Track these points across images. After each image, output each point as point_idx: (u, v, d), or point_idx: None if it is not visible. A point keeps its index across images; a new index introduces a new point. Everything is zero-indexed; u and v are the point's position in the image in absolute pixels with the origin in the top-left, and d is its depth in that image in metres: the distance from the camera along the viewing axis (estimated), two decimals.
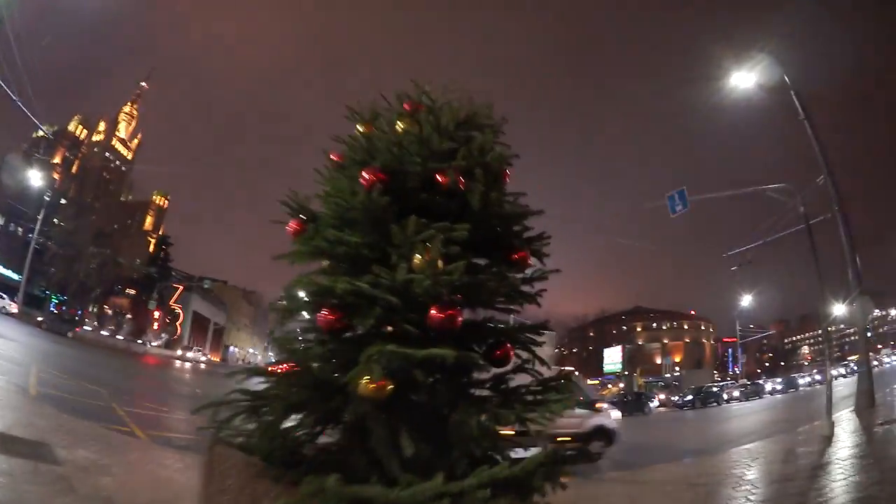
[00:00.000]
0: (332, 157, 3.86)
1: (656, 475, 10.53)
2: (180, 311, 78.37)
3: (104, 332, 58.81)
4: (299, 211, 3.66)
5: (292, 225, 3.61)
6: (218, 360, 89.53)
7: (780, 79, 18.98)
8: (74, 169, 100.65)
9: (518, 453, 3.19)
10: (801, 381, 59.05)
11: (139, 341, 62.77)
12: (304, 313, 3.31)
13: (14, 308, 43.65)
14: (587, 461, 11.72)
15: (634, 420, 33.99)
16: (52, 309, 61.16)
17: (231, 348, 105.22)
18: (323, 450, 3.14)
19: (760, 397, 50.76)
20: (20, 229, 59.38)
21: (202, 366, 61.97)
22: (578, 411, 13.11)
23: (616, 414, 14.99)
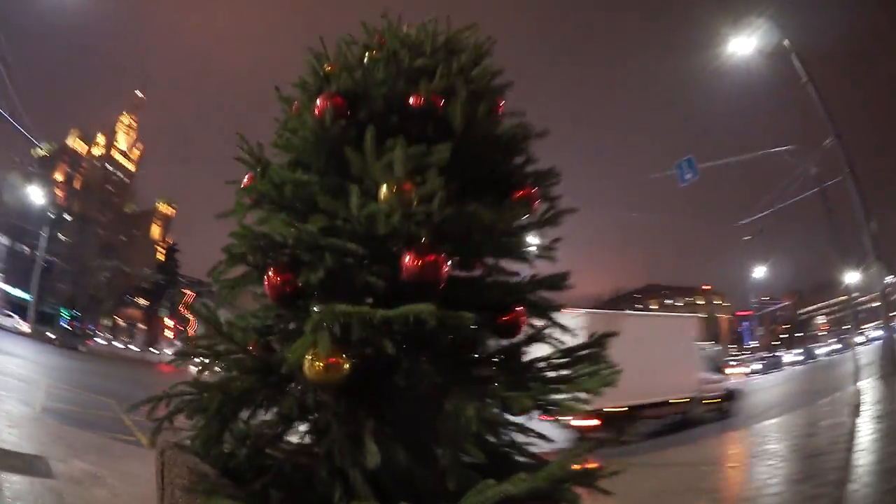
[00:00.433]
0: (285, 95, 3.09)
1: (680, 457, 9.89)
2: (192, 318, 78.03)
3: (117, 344, 58.89)
4: (251, 160, 2.90)
5: (247, 179, 2.86)
6: None
7: (781, 42, 18.27)
8: (77, 184, 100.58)
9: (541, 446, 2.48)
10: (818, 352, 58.09)
11: (153, 350, 62.72)
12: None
13: (26, 327, 43.52)
14: (725, 417, 14.97)
15: None
16: (63, 325, 61.21)
17: None
18: (296, 453, 2.39)
19: (780, 370, 49.86)
20: (26, 248, 59.35)
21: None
22: (717, 376, 15.97)
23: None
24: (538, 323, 2.67)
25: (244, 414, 2.34)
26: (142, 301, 73.81)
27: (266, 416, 2.47)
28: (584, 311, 13.35)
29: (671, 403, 13.84)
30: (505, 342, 2.55)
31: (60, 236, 64.22)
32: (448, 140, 2.33)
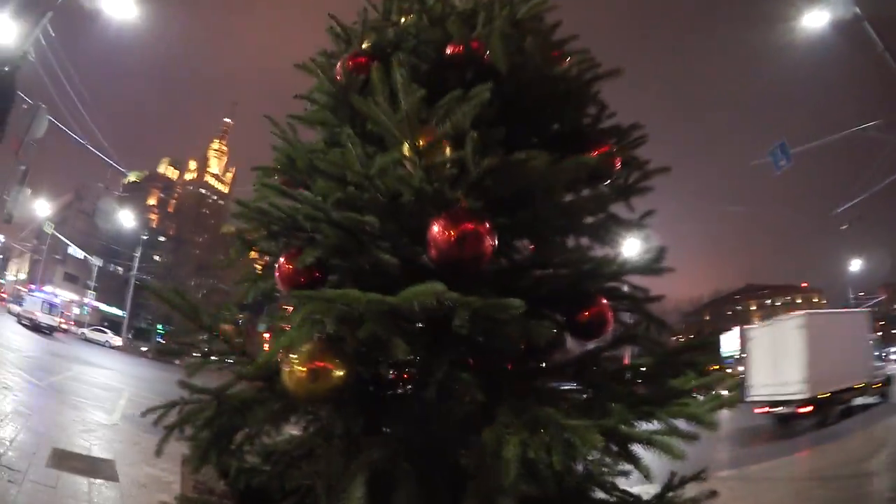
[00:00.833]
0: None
1: (779, 472, 8.88)
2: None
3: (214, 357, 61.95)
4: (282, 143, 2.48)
5: None
6: None
7: (853, 12, 16.91)
8: (170, 208, 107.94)
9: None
10: None
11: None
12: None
13: (118, 341, 46.40)
14: (885, 400, 15.34)
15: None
16: (159, 339, 65.47)
17: None
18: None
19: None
20: (120, 269, 64.06)
21: None
22: (879, 363, 16.47)
23: None
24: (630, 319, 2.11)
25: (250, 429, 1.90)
26: (240, 316, 77.68)
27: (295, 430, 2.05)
28: (804, 312, 15.85)
29: (854, 388, 14.75)
30: (586, 346, 1.98)
31: (156, 257, 68.92)
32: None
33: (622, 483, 1.97)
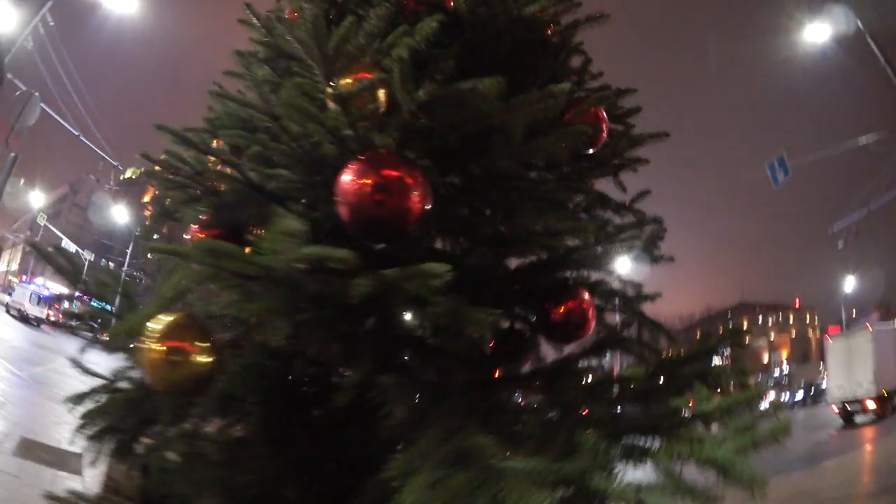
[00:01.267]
0: None
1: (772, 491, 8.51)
2: None
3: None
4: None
5: None
6: None
7: (854, 26, 16.94)
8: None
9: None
10: None
11: None
12: None
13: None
14: None
15: None
16: None
17: None
18: None
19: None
20: (111, 264, 63.84)
21: None
22: None
23: None
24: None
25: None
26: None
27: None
28: (873, 327, 18.16)
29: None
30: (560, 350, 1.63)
31: (150, 255, 68.52)
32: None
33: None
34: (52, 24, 12.61)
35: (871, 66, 16.48)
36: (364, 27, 1.22)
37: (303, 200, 1.22)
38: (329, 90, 1.08)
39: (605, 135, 1.70)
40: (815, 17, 17.32)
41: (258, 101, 1.31)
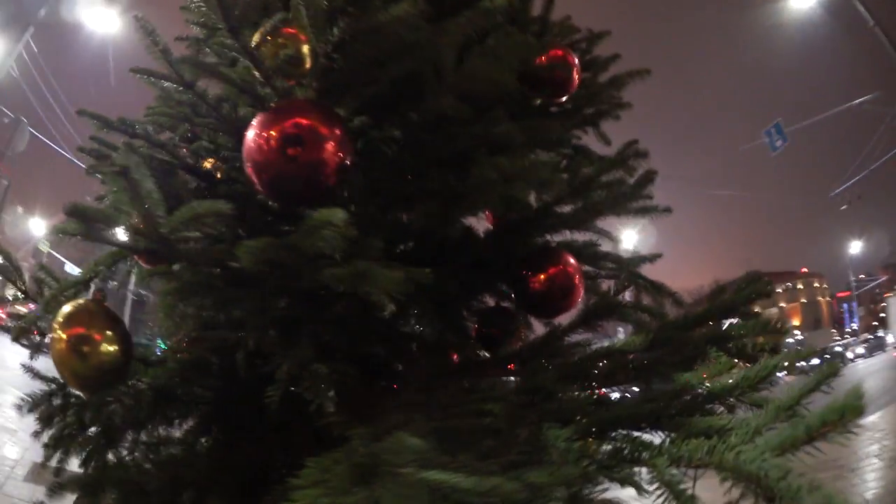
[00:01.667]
0: None
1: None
2: None
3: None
4: None
5: None
6: None
7: None
8: None
9: None
10: None
11: None
12: None
13: None
14: None
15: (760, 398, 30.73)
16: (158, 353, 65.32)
17: None
18: None
19: (884, 351, 45.00)
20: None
21: None
22: None
23: None
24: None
25: None
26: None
27: None
28: None
29: None
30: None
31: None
32: None
33: None
34: (35, 49, 12.49)
35: (861, 28, 16.40)
36: None
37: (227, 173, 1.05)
38: (231, 42, 0.91)
39: (576, 81, 1.53)
40: None
41: (174, 74, 1.15)
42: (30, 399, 1.52)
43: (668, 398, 0.86)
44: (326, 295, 0.93)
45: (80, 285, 1.11)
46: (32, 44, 12.85)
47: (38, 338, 1.60)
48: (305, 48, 0.89)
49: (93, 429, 1.40)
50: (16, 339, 1.36)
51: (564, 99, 1.58)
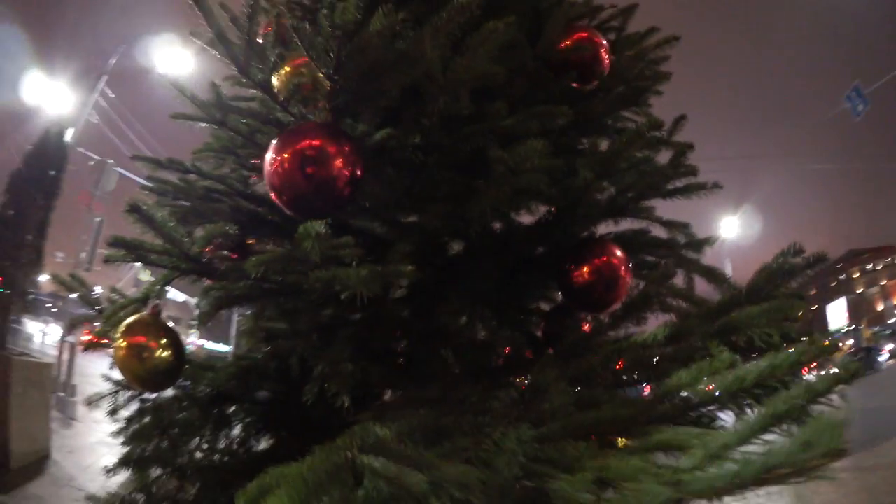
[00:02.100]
0: None
1: None
2: None
3: None
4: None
5: None
6: None
7: None
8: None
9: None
10: None
11: None
12: None
13: None
14: None
15: (865, 380, 26.68)
16: None
17: None
18: None
19: None
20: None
21: None
22: None
23: None
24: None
25: None
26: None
27: None
28: None
29: None
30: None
31: None
32: None
33: None
34: (111, 95, 13.54)
35: None
36: None
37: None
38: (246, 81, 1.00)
39: (605, 61, 1.49)
40: None
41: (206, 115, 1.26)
42: (99, 396, 1.65)
43: (648, 402, 0.76)
44: (357, 300, 0.98)
45: (139, 303, 1.24)
46: (108, 91, 14.04)
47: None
48: (312, 75, 0.96)
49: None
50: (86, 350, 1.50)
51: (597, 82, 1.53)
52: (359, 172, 0.91)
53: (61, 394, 8.03)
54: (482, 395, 0.81)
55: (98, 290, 1.89)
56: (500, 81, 0.98)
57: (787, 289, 0.99)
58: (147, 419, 1.52)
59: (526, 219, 1.49)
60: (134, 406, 1.62)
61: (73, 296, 1.66)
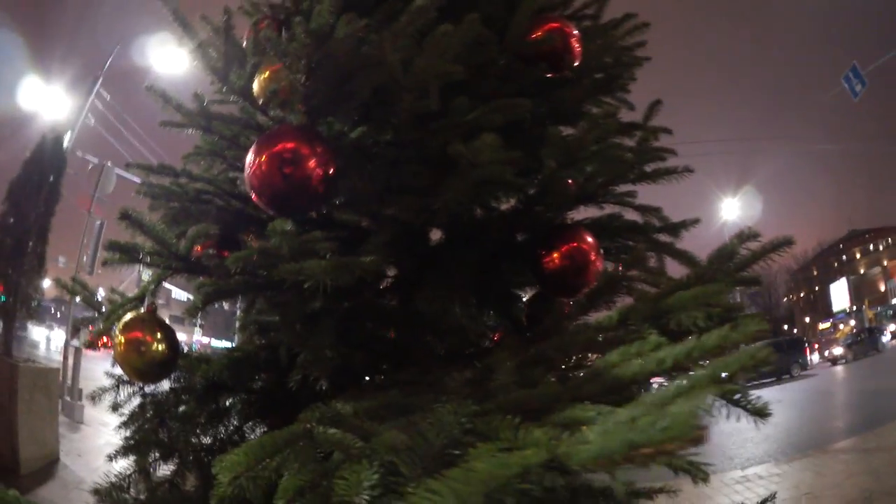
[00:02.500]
0: None
1: None
2: None
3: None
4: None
5: None
6: None
7: None
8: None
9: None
10: None
11: None
12: None
13: None
14: None
15: (867, 361, 26.95)
16: None
17: None
18: None
19: None
20: (226, 305, 68.15)
21: None
22: None
23: None
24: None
25: None
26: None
27: None
28: None
29: None
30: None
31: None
32: None
33: None
34: (108, 98, 13.50)
35: None
36: None
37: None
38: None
39: (577, 50, 1.50)
40: None
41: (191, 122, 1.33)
42: (102, 390, 1.73)
43: (577, 382, 0.77)
44: (341, 290, 1.05)
45: (137, 301, 1.33)
46: (105, 93, 13.97)
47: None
48: (287, 80, 1.03)
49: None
50: (89, 347, 1.59)
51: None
52: (332, 171, 0.97)
53: (68, 398, 8.12)
54: (442, 377, 0.87)
55: (101, 292, 1.95)
56: (461, 78, 1.04)
57: (737, 273, 1.04)
58: (148, 412, 1.61)
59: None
60: (135, 403, 1.70)
61: (77, 299, 1.75)
